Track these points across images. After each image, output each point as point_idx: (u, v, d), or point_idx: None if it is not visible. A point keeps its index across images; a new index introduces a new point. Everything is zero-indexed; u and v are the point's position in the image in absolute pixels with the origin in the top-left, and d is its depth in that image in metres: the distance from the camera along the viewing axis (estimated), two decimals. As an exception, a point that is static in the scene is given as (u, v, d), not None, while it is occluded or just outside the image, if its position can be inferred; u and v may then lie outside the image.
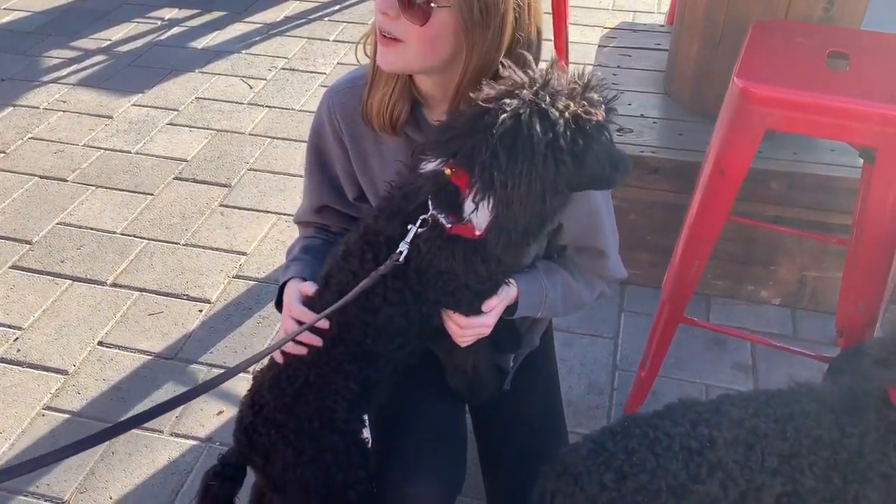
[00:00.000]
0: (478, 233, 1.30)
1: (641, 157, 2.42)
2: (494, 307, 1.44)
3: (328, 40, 4.26)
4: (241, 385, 2.33)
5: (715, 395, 2.26)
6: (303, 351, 1.45)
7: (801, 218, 2.38)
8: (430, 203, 1.31)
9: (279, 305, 1.56)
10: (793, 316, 2.56)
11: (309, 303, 1.47)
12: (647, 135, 2.50)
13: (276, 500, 1.64)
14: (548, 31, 3.21)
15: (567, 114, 1.21)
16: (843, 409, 1.33)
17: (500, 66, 1.30)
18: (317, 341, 1.43)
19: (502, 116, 1.20)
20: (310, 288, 1.48)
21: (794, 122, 1.73)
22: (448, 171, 1.29)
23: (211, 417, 2.26)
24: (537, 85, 1.23)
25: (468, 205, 1.27)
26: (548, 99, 1.21)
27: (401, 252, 1.32)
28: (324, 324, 1.41)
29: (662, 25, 3.30)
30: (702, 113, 2.53)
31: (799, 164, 2.34)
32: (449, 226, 1.30)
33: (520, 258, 1.49)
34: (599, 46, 3.07)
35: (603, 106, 1.26)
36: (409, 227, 1.32)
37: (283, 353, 1.47)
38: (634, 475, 1.32)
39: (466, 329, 1.45)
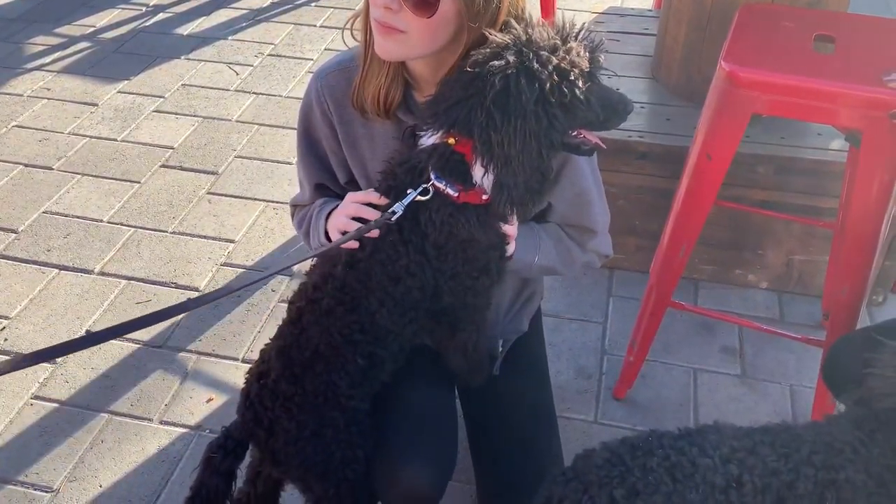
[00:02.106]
0: (485, 197, 1.33)
1: (629, 141, 2.42)
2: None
3: (315, 26, 4.23)
4: (230, 373, 2.33)
5: (703, 379, 2.32)
6: (355, 246, 1.40)
7: (788, 202, 2.38)
8: (431, 174, 1.33)
9: (328, 237, 1.52)
10: (780, 299, 2.58)
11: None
12: (635, 120, 2.50)
13: (274, 476, 1.65)
14: (536, 16, 3.19)
15: (551, 67, 1.23)
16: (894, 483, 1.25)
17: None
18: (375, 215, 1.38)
19: (492, 79, 1.22)
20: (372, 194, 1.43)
21: (780, 105, 1.73)
22: (451, 141, 1.30)
23: (200, 405, 2.25)
24: (520, 43, 1.25)
25: (477, 169, 1.30)
26: (531, 56, 1.23)
27: (393, 212, 1.33)
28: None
29: (650, 10, 3.30)
30: (689, 97, 2.53)
31: (786, 149, 2.35)
32: (456, 195, 1.32)
33: (527, 216, 1.52)
34: (587, 31, 3.06)
35: (587, 54, 1.28)
36: (409, 191, 1.34)
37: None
38: (647, 495, 1.26)
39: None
